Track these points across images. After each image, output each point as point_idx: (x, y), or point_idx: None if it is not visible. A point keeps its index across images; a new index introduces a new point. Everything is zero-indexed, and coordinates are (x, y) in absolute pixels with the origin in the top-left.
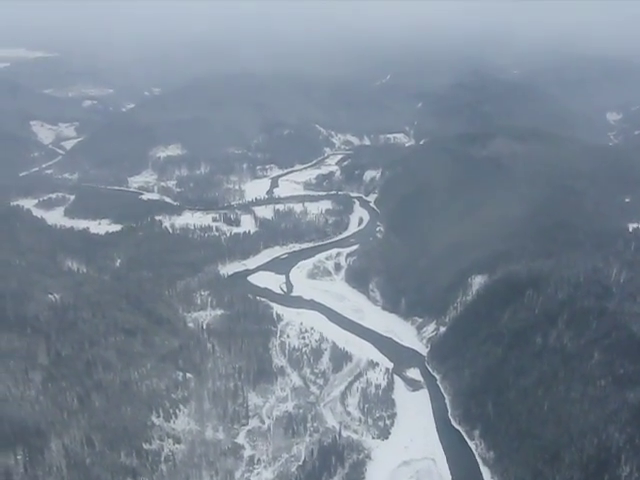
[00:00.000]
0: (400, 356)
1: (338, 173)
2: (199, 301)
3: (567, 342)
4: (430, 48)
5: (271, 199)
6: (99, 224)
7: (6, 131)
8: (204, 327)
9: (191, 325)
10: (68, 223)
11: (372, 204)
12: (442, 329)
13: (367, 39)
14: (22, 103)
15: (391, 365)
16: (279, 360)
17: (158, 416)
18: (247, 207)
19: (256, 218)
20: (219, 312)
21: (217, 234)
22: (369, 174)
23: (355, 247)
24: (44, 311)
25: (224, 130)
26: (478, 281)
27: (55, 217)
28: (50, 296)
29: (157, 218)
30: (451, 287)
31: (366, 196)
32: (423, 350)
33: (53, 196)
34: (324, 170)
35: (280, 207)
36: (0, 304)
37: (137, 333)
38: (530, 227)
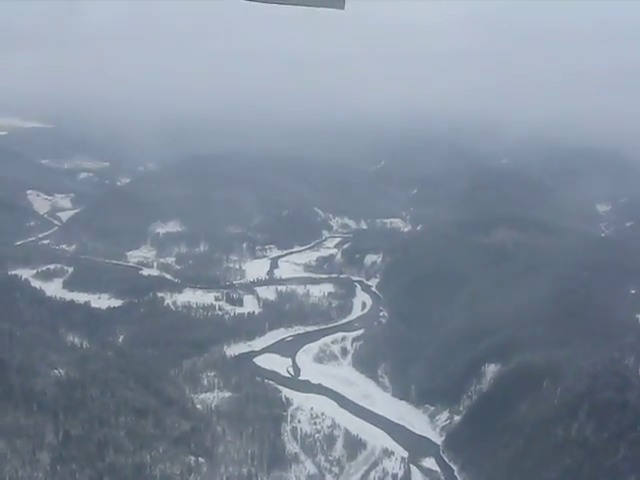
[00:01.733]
0: (414, 445)
1: (338, 256)
2: (206, 382)
3: (590, 435)
4: (422, 134)
5: (272, 280)
6: (99, 298)
7: (2, 199)
8: (213, 410)
9: (199, 407)
10: (67, 295)
11: (374, 289)
12: (456, 418)
13: (362, 121)
14: (19, 172)
15: (406, 454)
16: (292, 446)
17: None
18: (249, 287)
19: (259, 298)
20: (227, 394)
21: (220, 313)
22: (370, 258)
23: (360, 332)
24: (50, 387)
25: (223, 208)
26: (492, 370)
27: (54, 289)
28: (55, 371)
29: (159, 295)
30: (463, 375)
31: (367, 280)
32: (437, 439)
33: (51, 267)
34: (324, 253)
35: (282, 288)
36: (6, 378)
37: (148, 414)
38: (540, 316)
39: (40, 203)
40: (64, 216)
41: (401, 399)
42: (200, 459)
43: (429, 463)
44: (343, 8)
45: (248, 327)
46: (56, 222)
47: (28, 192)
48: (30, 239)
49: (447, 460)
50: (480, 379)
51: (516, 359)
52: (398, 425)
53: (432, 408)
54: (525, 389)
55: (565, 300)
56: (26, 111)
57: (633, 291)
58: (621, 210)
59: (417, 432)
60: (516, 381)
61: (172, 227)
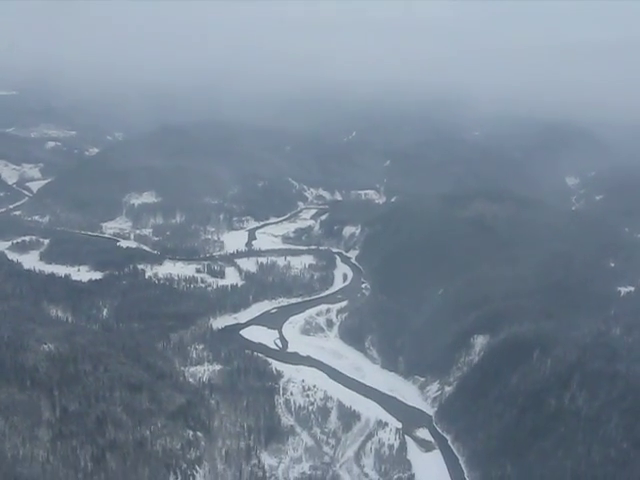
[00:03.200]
0: (407, 416)
1: (317, 228)
2: (195, 355)
3: (582, 405)
4: (394, 105)
5: (252, 252)
6: (78, 270)
7: None
8: (205, 383)
9: (191, 380)
10: (45, 268)
11: (353, 260)
12: (447, 389)
13: (333, 92)
14: None
15: (400, 425)
16: (287, 419)
17: (176, 478)
18: (229, 259)
19: (240, 270)
20: (217, 367)
21: (203, 286)
22: (348, 230)
23: (344, 304)
24: (42, 362)
25: (198, 179)
26: (480, 341)
27: (30, 261)
28: (45, 346)
29: (139, 267)
30: (452, 347)
31: (346, 252)
32: (429, 410)
33: (27, 239)
34: (301, 224)
35: (262, 260)
36: None
37: (142, 388)
38: (525, 288)
39: (8, 173)
40: (34, 186)
41: (390, 371)
42: (198, 433)
43: (423, 434)
44: None
45: (232, 299)
46: (26, 192)
47: None
48: (0, 210)
49: (440, 430)
50: (469, 350)
51: (504, 331)
52: (389, 397)
53: (422, 379)
54: (515, 360)
55: (549, 273)
56: None
57: (612, 264)
58: (590, 183)
59: (409, 403)
60: (506, 352)
61: (147, 198)
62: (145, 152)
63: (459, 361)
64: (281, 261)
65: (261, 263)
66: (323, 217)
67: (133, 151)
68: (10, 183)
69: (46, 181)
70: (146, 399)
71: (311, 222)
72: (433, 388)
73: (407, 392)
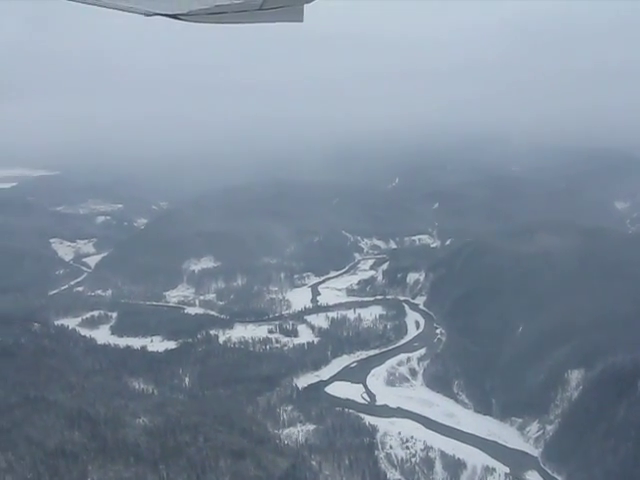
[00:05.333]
0: (512, 459)
1: (380, 277)
2: (285, 416)
3: None
4: (430, 148)
5: (319, 307)
6: (151, 341)
7: (29, 249)
8: (303, 444)
9: (288, 442)
10: (117, 341)
11: (422, 307)
12: (549, 428)
13: (369, 140)
14: (38, 221)
15: (507, 469)
16: (392, 474)
17: None
18: (298, 316)
19: (312, 327)
20: (311, 427)
21: (278, 346)
22: (412, 277)
23: (423, 351)
24: (141, 437)
25: (253, 240)
26: (576, 376)
27: (102, 335)
28: (139, 420)
29: (211, 332)
30: (546, 384)
31: (413, 299)
32: (533, 451)
33: (95, 314)
34: (362, 275)
35: (332, 315)
36: (96, 432)
37: (245, 455)
38: (610, 318)
39: (64, 250)
40: (90, 261)
41: (484, 414)
42: None
43: (533, 476)
44: (302, 21)
45: (311, 357)
46: (84, 268)
47: (51, 240)
48: (63, 287)
49: (550, 471)
50: (565, 386)
51: (600, 363)
52: (489, 441)
53: (519, 420)
54: (618, 392)
55: (631, 300)
56: (31, 160)
57: None
58: None
59: (510, 446)
60: (607, 385)
61: (206, 263)
62: (195, 218)
63: (556, 398)
64: (350, 314)
65: (331, 318)
66: (384, 266)
67: (182, 218)
68: (67, 260)
69: (101, 255)
70: (252, 466)
71: (372, 272)
72: (533, 428)
73: (506, 435)
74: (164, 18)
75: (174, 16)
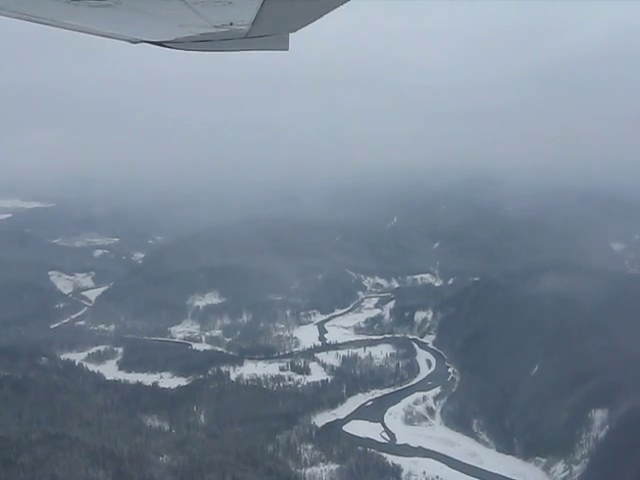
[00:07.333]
0: None
1: (387, 316)
2: (307, 455)
3: None
4: (426, 188)
5: (329, 345)
6: (161, 377)
7: (28, 281)
8: None
9: None
10: (127, 377)
11: (431, 345)
12: (575, 468)
13: (365, 182)
14: (35, 253)
15: None
16: None
17: None
18: (308, 354)
19: (324, 365)
20: (333, 467)
21: (291, 383)
22: (419, 315)
23: (438, 390)
24: (167, 476)
25: (257, 277)
26: (600, 415)
27: (110, 371)
28: (161, 458)
29: (222, 369)
30: (569, 424)
31: (421, 338)
32: None
33: (101, 349)
34: (368, 314)
35: (342, 353)
36: (123, 470)
37: None
38: (627, 359)
39: (63, 283)
40: (90, 295)
41: (507, 454)
42: None
43: None
44: (287, 49)
45: (327, 395)
46: (84, 302)
47: (49, 273)
48: (64, 321)
49: None
50: (589, 426)
51: (624, 402)
52: None
53: (544, 460)
54: None
55: None
56: (24, 192)
57: None
58: (638, 247)
59: None
60: (635, 425)
61: (210, 299)
62: (195, 253)
63: (581, 437)
64: (361, 352)
65: (342, 356)
66: (390, 305)
67: (182, 253)
68: (66, 293)
69: (101, 289)
70: None
71: (378, 311)
72: (559, 468)
73: (531, 474)
74: (150, 46)
75: (160, 43)
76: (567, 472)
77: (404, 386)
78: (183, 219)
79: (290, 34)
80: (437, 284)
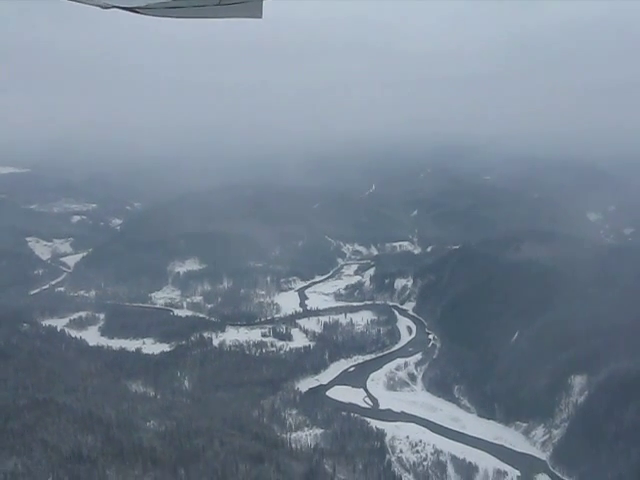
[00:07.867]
0: (521, 463)
1: (367, 283)
2: (292, 421)
3: None
4: (405, 156)
5: (310, 312)
6: (144, 343)
7: (5, 248)
8: (314, 448)
9: (297, 446)
10: (110, 343)
11: (411, 312)
12: (555, 432)
13: (344, 148)
14: (12, 219)
15: (518, 472)
16: (406, 477)
17: None
18: (289, 320)
19: (306, 331)
20: (318, 431)
21: (274, 350)
22: (399, 283)
23: (419, 356)
24: (155, 441)
25: (238, 243)
26: (579, 381)
27: (92, 337)
28: (149, 423)
29: (205, 335)
30: (549, 389)
31: (401, 305)
32: (540, 455)
33: (82, 315)
34: (348, 280)
35: (324, 319)
36: (112, 435)
37: (263, 460)
38: (607, 325)
39: (41, 249)
40: (69, 261)
41: (488, 419)
42: None
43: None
44: (261, 17)
45: (309, 361)
46: (63, 268)
47: (27, 239)
48: (44, 287)
49: (560, 474)
50: (569, 391)
51: (604, 369)
52: (496, 445)
53: (524, 425)
54: (626, 397)
55: (625, 308)
56: None
57: None
58: (613, 218)
59: (518, 450)
60: (613, 390)
61: (191, 265)
62: (174, 219)
63: (560, 403)
64: (342, 319)
65: (323, 322)
66: (371, 272)
67: (160, 219)
68: (45, 259)
69: (79, 255)
70: (271, 470)
71: (358, 278)
72: (539, 433)
73: (512, 439)
74: (122, 11)
75: (132, 9)
76: (547, 436)
77: (385, 352)
78: (161, 185)
79: (264, 1)
80: (416, 252)
